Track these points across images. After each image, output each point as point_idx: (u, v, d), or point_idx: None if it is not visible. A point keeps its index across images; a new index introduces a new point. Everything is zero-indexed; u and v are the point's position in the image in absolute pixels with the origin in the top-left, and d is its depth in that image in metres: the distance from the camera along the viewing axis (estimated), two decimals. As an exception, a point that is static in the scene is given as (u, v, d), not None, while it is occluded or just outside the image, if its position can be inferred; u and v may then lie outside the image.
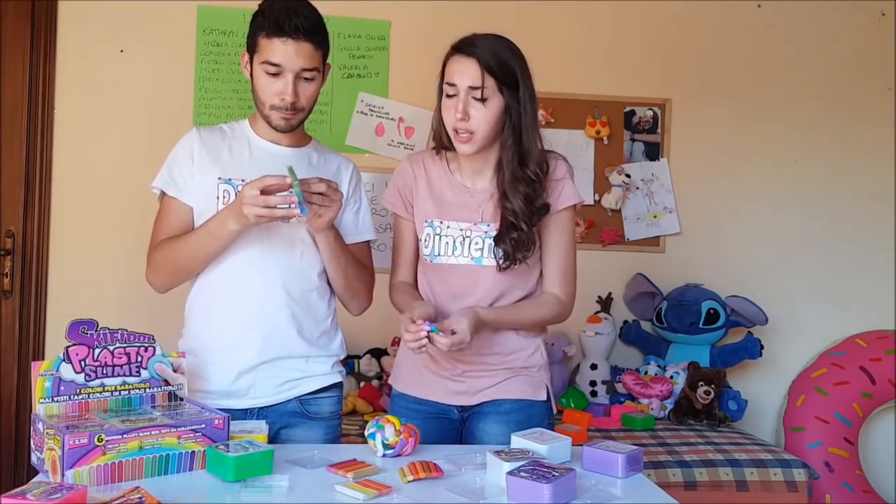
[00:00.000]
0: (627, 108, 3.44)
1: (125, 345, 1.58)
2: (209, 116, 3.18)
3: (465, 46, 1.76)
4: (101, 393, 1.55)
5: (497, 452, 1.55)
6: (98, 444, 1.39)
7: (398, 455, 1.62)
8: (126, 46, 3.17)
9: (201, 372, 1.77)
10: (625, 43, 3.43)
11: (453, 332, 1.68)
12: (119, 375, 1.57)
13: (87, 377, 1.54)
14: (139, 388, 1.60)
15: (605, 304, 3.41)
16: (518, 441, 1.64)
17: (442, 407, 1.88)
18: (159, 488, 1.38)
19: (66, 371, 1.52)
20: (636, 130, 3.45)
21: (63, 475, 1.36)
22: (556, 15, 3.38)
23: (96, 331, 1.55)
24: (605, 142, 3.41)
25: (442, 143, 1.85)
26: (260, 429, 1.64)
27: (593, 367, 3.30)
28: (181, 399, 1.65)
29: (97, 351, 1.55)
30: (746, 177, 3.49)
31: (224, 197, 1.79)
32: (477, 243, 1.82)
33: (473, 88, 1.73)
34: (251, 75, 1.81)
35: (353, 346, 3.16)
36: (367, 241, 1.98)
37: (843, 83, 3.52)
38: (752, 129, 3.49)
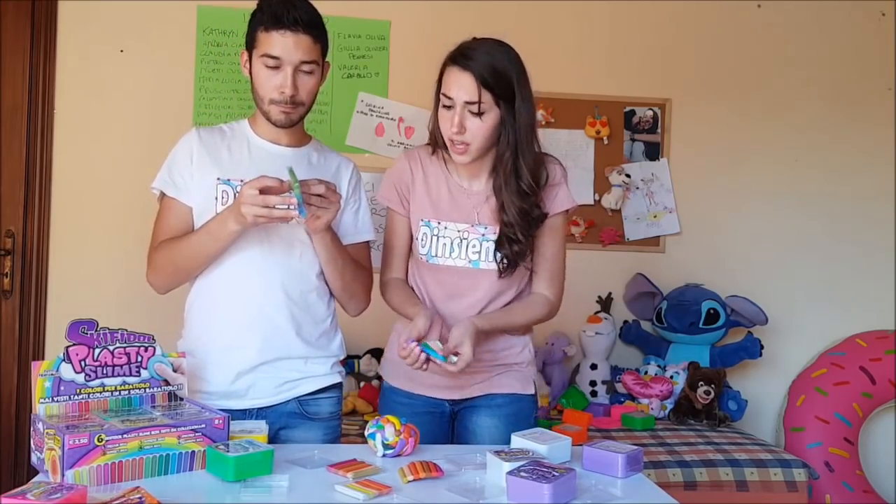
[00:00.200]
0: (627, 108, 3.44)
1: (125, 345, 1.58)
2: (209, 116, 3.18)
3: (461, 59, 1.74)
4: (101, 393, 1.55)
5: (497, 452, 1.55)
6: (98, 444, 1.39)
7: (398, 455, 1.62)
8: (126, 46, 3.17)
9: (201, 372, 1.77)
10: (625, 43, 3.43)
11: (457, 353, 1.70)
12: (119, 375, 1.57)
13: (87, 377, 1.54)
14: (139, 388, 1.60)
15: (605, 304, 3.41)
16: (518, 441, 1.64)
17: (433, 401, 1.91)
18: (159, 488, 1.38)
19: (66, 371, 1.52)
20: (636, 130, 3.45)
21: (63, 475, 1.36)
22: (556, 15, 3.38)
23: (96, 331, 1.55)
24: (605, 142, 3.41)
25: (438, 144, 1.86)
26: (260, 429, 1.64)
27: (593, 367, 3.31)
28: (181, 399, 1.65)
29: (97, 351, 1.55)
30: (746, 177, 3.49)
31: (223, 197, 1.79)
32: (474, 246, 1.84)
33: (470, 103, 1.73)
34: (250, 72, 1.81)
35: (352, 346, 3.16)
36: (367, 242, 1.98)
37: (843, 83, 3.52)
38: (752, 128, 3.49)
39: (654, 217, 3.45)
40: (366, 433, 1.66)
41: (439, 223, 1.87)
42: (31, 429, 1.49)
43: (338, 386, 1.92)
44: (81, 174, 3.12)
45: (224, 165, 1.82)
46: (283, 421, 1.83)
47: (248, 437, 1.58)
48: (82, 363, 1.53)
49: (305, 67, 1.76)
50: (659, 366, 3.31)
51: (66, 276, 3.14)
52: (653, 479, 1.73)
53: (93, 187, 3.14)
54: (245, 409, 1.80)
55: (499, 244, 1.82)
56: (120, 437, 1.41)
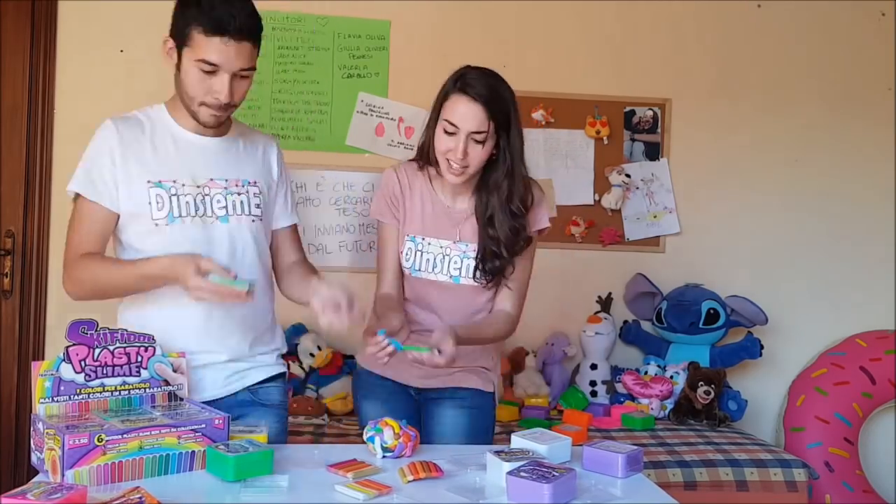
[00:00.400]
0: (627, 108, 3.44)
1: (125, 345, 1.58)
2: (209, 116, 3.17)
3: (470, 89, 1.81)
4: (101, 393, 1.55)
5: (497, 452, 1.55)
6: (98, 444, 1.39)
7: (398, 458, 1.62)
8: (126, 46, 3.17)
9: None
10: (625, 43, 3.43)
11: (440, 351, 1.75)
12: (119, 375, 1.57)
13: (87, 377, 1.54)
14: (139, 388, 1.60)
15: (605, 304, 3.41)
16: (518, 441, 1.64)
17: (400, 385, 2.03)
18: (159, 488, 1.39)
19: (66, 371, 1.52)
20: (636, 130, 3.45)
21: (63, 475, 1.36)
22: (557, 15, 3.38)
23: (96, 331, 1.55)
24: (605, 142, 3.41)
25: (427, 160, 1.93)
26: (260, 429, 1.64)
27: (593, 367, 3.30)
28: (181, 399, 1.64)
29: (97, 351, 1.55)
30: (746, 177, 3.49)
31: (157, 202, 1.71)
32: (455, 262, 1.95)
33: (476, 132, 1.81)
34: (178, 67, 1.71)
35: (353, 346, 3.17)
36: (295, 224, 1.98)
37: (843, 83, 3.51)
38: (752, 128, 3.49)
39: (654, 217, 3.45)
40: (364, 436, 1.66)
41: (423, 239, 1.96)
42: (31, 429, 1.49)
43: (283, 376, 1.92)
44: (81, 174, 3.12)
45: (151, 165, 1.72)
46: (236, 411, 1.77)
47: (248, 436, 1.58)
48: (82, 363, 1.53)
49: (243, 73, 1.69)
50: (659, 366, 3.31)
51: (66, 276, 3.13)
52: (653, 479, 1.73)
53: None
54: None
55: (483, 259, 1.91)
56: (120, 437, 1.41)
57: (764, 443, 3.00)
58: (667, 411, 3.19)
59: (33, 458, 1.49)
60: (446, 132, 1.84)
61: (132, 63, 3.16)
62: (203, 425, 1.51)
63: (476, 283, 1.94)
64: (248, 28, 1.66)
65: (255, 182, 1.85)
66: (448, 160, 1.85)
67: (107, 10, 3.15)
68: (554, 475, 1.39)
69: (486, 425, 2.04)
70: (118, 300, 1.82)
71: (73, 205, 1.80)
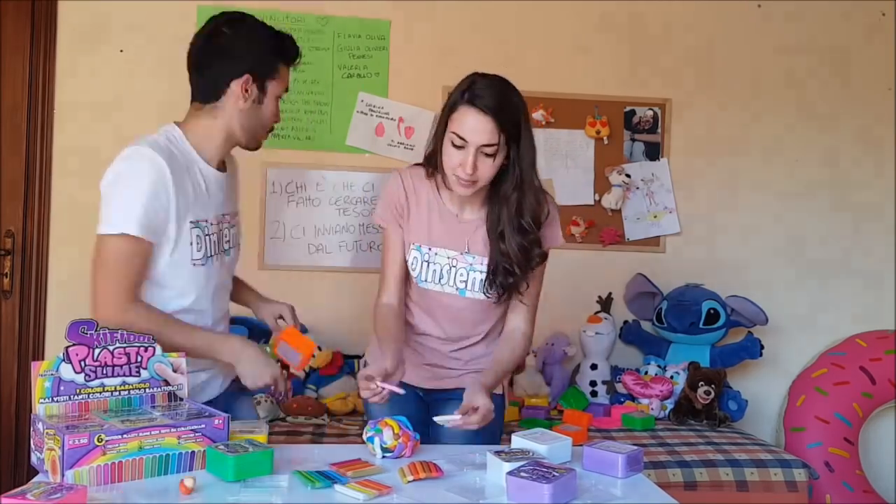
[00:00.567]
0: (627, 108, 3.44)
1: (125, 345, 1.58)
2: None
3: (479, 101, 1.73)
4: (100, 393, 1.55)
5: (497, 452, 1.55)
6: (98, 444, 1.39)
7: (397, 458, 1.62)
8: (126, 46, 3.17)
9: None
10: (625, 43, 3.43)
11: (475, 409, 1.72)
12: (119, 375, 1.57)
13: (86, 377, 1.53)
14: (139, 389, 1.60)
15: (605, 304, 3.41)
16: (518, 441, 1.64)
17: (408, 387, 1.96)
18: (159, 488, 1.39)
19: (66, 371, 1.51)
20: (636, 130, 3.45)
21: (63, 475, 1.36)
22: (556, 15, 3.37)
23: (96, 331, 1.55)
24: (605, 142, 3.41)
25: (436, 167, 1.87)
26: (260, 429, 1.64)
27: (593, 367, 3.30)
28: (181, 399, 1.64)
29: (97, 351, 1.55)
30: (746, 176, 3.49)
31: (197, 243, 1.74)
32: (462, 275, 1.89)
33: (486, 146, 1.74)
34: (260, 101, 1.79)
35: (353, 346, 3.17)
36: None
37: (843, 83, 3.51)
38: (751, 128, 3.49)
39: (654, 217, 3.45)
40: (364, 436, 1.66)
41: (430, 249, 1.91)
42: (31, 429, 1.49)
43: None
44: (81, 174, 3.12)
45: (192, 204, 1.73)
46: (230, 403, 1.88)
47: (249, 437, 1.58)
48: (82, 363, 1.53)
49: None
50: (659, 366, 3.31)
51: (66, 276, 3.14)
52: (653, 480, 1.73)
53: (93, 187, 3.12)
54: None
55: (494, 274, 1.86)
56: (120, 437, 1.41)
57: (764, 443, 3.00)
58: (667, 411, 3.19)
59: (33, 458, 1.49)
60: (454, 145, 1.76)
61: (132, 63, 3.17)
62: (203, 425, 1.51)
63: (483, 298, 1.89)
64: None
65: (237, 212, 1.96)
66: (458, 176, 1.78)
67: (107, 10, 3.15)
68: (554, 475, 1.39)
69: (494, 427, 1.97)
70: None
71: (105, 242, 1.67)
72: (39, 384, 1.49)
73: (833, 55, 3.51)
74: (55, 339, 3.07)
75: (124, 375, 1.58)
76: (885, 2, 3.53)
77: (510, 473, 1.42)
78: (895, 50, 3.52)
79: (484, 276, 1.88)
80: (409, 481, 1.48)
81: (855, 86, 3.52)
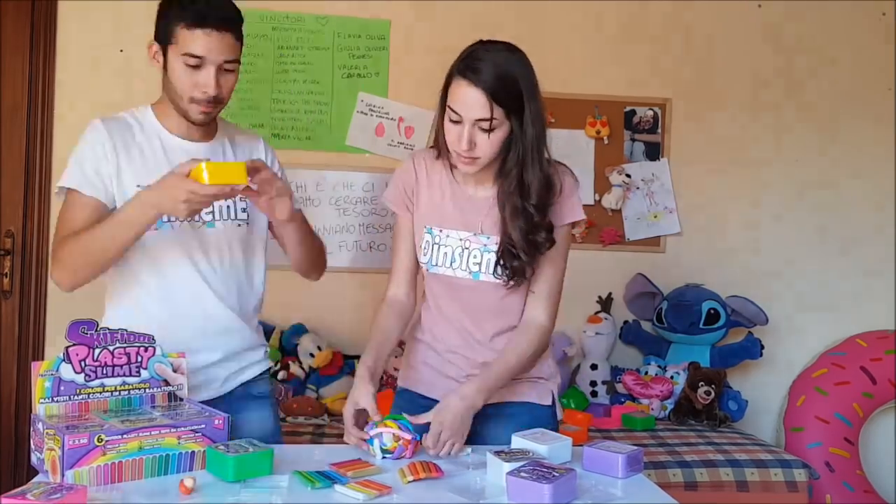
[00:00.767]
0: (627, 108, 3.44)
1: (125, 345, 1.58)
2: (209, 116, 3.17)
3: (470, 73, 1.61)
4: (100, 393, 1.55)
5: (497, 452, 1.55)
6: (98, 444, 1.38)
7: (398, 459, 1.62)
8: (126, 46, 3.17)
9: None
10: (625, 43, 3.43)
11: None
12: (119, 375, 1.57)
13: (86, 377, 1.53)
14: (139, 389, 1.60)
15: (605, 304, 3.41)
16: (518, 441, 1.64)
17: (431, 400, 1.82)
18: (159, 488, 1.39)
19: (66, 371, 1.51)
20: (636, 130, 3.45)
21: (63, 475, 1.36)
22: (556, 14, 3.38)
23: (96, 331, 1.55)
24: (606, 142, 3.41)
25: (442, 153, 1.78)
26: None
27: (593, 367, 3.30)
28: (181, 399, 1.64)
29: (97, 351, 1.54)
30: (746, 177, 3.49)
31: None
32: (475, 256, 1.76)
33: (480, 120, 1.62)
34: (164, 67, 1.76)
35: (353, 346, 3.17)
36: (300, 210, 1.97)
37: (843, 83, 3.51)
38: (751, 128, 3.49)
39: (654, 217, 3.45)
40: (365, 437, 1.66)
41: (441, 230, 1.79)
42: (31, 429, 1.49)
43: (268, 370, 1.97)
44: (81, 174, 3.12)
45: (140, 169, 1.73)
46: (234, 407, 1.79)
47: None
48: (82, 363, 1.53)
49: (228, 66, 1.72)
50: (659, 366, 3.31)
51: (66, 276, 3.13)
52: (653, 480, 1.73)
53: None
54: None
55: (502, 255, 1.72)
56: (120, 437, 1.41)
57: (764, 443, 3.00)
58: (667, 411, 3.19)
59: (33, 459, 1.48)
60: (451, 120, 1.65)
61: (132, 63, 3.16)
62: (203, 425, 1.51)
63: (496, 280, 1.73)
64: (228, 18, 1.71)
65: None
66: (459, 153, 1.67)
67: (107, 10, 3.15)
68: (554, 475, 1.39)
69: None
70: (108, 300, 1.83)
71: (63, 202, 1.76)
72: (39, 384, 1.49)
73: (833, 55, 3.51)
74: (55, 339, 3.08)
75: (124, 375, 1.58)
76: (885, 2, 3.53)
77: (510, 473, 1.42)
78: (895, 50, 3.53)
79: (498, 253, 1.74)
80: (409, 481, 1.48)
81: (855, 86, 3.52)
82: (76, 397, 1.52)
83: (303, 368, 3.13)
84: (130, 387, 1.59)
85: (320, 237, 2.01)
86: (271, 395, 1.96)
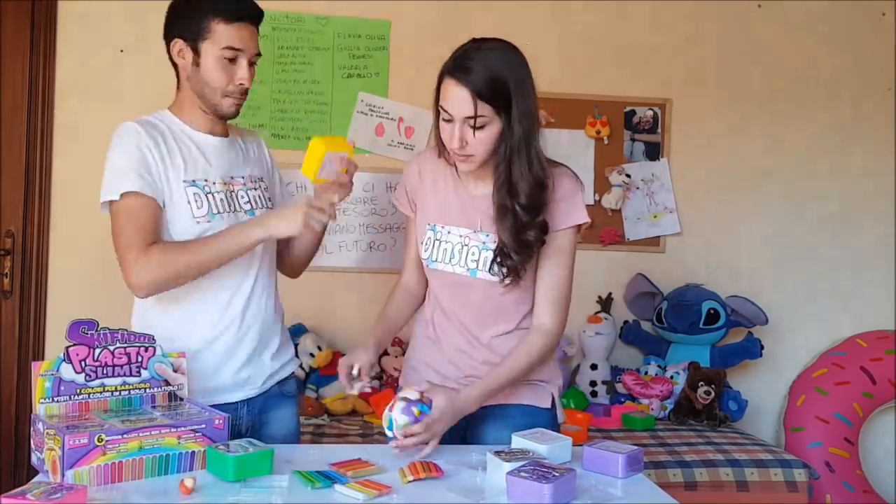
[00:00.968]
0: (627, 108, 3.44)
1: (125, 345, 1.58)
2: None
3: (458, 72, 1.63)
4: (101, 393, 1.55)
5: (497, 452, 1.55)
6: (98, 444, 1.39)
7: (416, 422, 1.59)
8: (126, 46, 3.17)
9: (200, 374, 1.76)
10: (625, 43, 3.43)
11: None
12: (119, 375, 1.57)
13: (87, 377, 1.53)
14: (139, 389, 1.60)
15: (605, 304, 3.41)
16: (518, 441, 1.64)
17: None
18: (159, 488, 1.39)
19: (67, 371, 1.51)
20: (636, 130, 3.45)
21: (63, 475, 1.36)
22: (556, 15, 3.38)
23: (97, 331, 1.55)
24: (605, 142, 3.41)
25: (442, 152, 1.79)
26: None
27: (593, 367, 3.30)
28: (181, 399, 1.64)
29: (97, 351, 1.55)
30: (746, 176, 3.49)
31: (196, 200, 1.74)
32: (473, 254, 1.76)
33: (468, 118, 1.63)
34: (195, 63, 1.76)
35: (353, 346, 3.16)
36: None
37: (843, 83, 3.52)
38: (751, 128, 3.49)
39: (654, 217, 3.45)
40: (384, 423, 1.64)
41: (443, 227, 1.79)
42: (31, 429, 1.49)
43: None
44: (81, 174, 3.11)
45: (181, 165, 1.76)
46: (268, 404, 1.88)
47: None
48: (82, 363, 1.53)
49: (253, 59, 1.79)
50: (659, 366, 3.31)
51: (66, 276, 3.14)
52: (653, 480, 1.73)
53: (93, 187, 3.10)
54: (236, 402, 1.81)
55: (498, 254, 1.72)
56: (120, 437, 1.41)
57: (764, 443, 3.00)
58: (667, 411, 3.19)
59: (33, 459, 1.49)
60: (444, 119, 1.67)
61: (132, 63, 3.17)
62: (203, 425, 1.51)
63: (493, 278, 1.73)
64: (259, 13, 1.79)
65: (262, 178, 1.93)
66: (451, 149, 1.68)
67: (107, 10, 3.15)
68: (554, 475, 1.39)
69: None
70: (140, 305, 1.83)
71: (118, 210, 1.71)
72: (40, 384, 1.49)
73: (833, 55, 3.51)
74: (55, 339, 3.08)
75: (125, 375, 1.58)
76: (885, 2, 3.53)
77: (510, 473, 1.42)
78: (895, 50, 3.53)
79: (494, 251, 1.74)
80: (408, 481, 1.48)
81: (855, 86, 3.52)
82: (76, 397, 1.52)
83: (303, 368, 3.13)
84: (131, 387, 1.59)
85: None
86: (296, 395, 1.99)
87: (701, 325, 3.26)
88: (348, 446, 1.71)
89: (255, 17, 1.77)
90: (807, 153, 3.51)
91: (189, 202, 1.74)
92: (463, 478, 1.53)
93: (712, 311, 3.26)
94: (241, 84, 1.76)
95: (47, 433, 1.42)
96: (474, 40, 1.70)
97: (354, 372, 1.75)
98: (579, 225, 1.78)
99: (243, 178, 1.86)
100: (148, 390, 1.61)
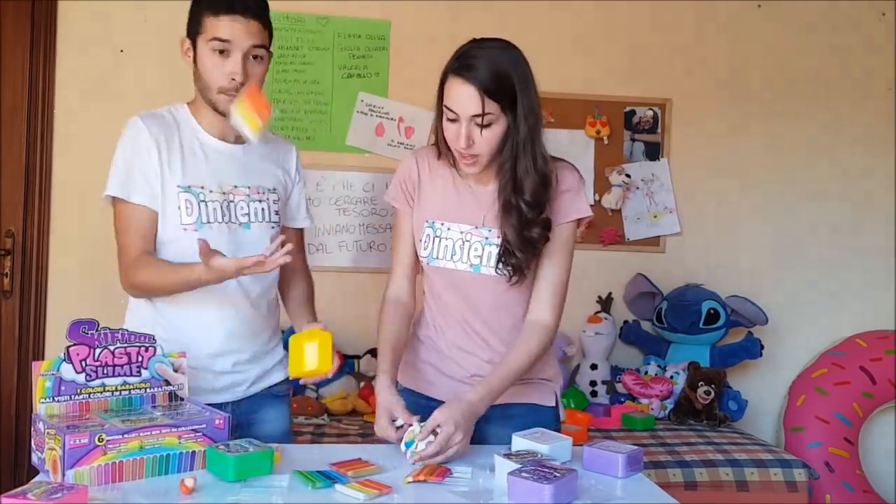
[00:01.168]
0: (627, 108, 3.44)
1: (126, 345, 1.58)
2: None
3: (463, 70, 1.62)
4: (101, 393, 1.55)
5: (507, 455, 1.54)
6: (98, 443, 1.38)
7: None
8: (126, 46, 3.17)
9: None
10: (625, 43, 3.43)
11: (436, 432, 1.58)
12: (120, 375, 1.57)
13: (87, 377, 1.53)
14: (140, 388, 1.60)
15: (605, 304, 3.41)
16: (518, 441, 1.64)
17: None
18: (160, 488, 1.39)
19: (67, 371, 1.51)
20: (636, 130, 3.45)
21: (64, 475, 1.36)
22: (556, 15, 3.38)
23: (97, 331, 1.55)
24: (605, 142, 3.41)
25: (443, 152, 1.77)
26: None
27: (593, 367, 3.30)
28: (182, 399, 1.64)
29: (98, 351, 1.54)
30: (746, 176, 3.49)
31: (187, 207, 1.73)
32: (476, 249, 1.75)
33: (476, 116, 1.62)
34: (194, 60, 1.75)
35: (353, 346, 3.17)
36: (302, 230, 2.01)
37: (843, 83, 3.52)
38: (751, 128, 3.49)
39: (654, 217, 3.45)
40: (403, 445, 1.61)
41: (443, 224, 1.77)
42: (32, 429, 1.49)
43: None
44: (81, 174, 3.12)
45: (180, 169, 1.74)
46: (256, 405, 1.87)
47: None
48: (83, 363, 1.53)
49: (256, 52, 1.73)
50: (659, 366, 3.31)
51: (66, 276, 3.14)
52: (653, 480, 1.73)
53: (93, 187, 3.09)
54: (222, 403, 1.79)
55: (503, 253, 1.71)
56: (120, 437, 1.41)
57: (764, 443, 3.00)
58: (667, 411, 3.19)
59: (34, 458, 1.49)
60: (448, 119, 1.65)
61: (132, 63, 3.17)
62: (203, 425, 1.51)
63: (497, 275, 1.72)
64: (253, 6, 1.73)
65: (275, 189, 1.88)
66: (460, 152, 1.67)
67: (107, 10, 3.15)
68: (555, 475, 1.39)
69: None
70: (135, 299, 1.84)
71: (116, 210, 1.78)
72: (40, 384, 1.49)
73: (833, 55, 3.51)
74: (55, 339, 3.08)
75: (125, 375, 1.58)
76: (885, 2, 3.53)
77: (511, 473, 1.42)
78: (895, 50, 3.53)
79: (499, 249, 1.73)
80: (409, 481, 1.48)
81: (855, 86, 3.52)
82: (77, 397, 1.52)
83: (303, 368, 3.13)
84: (131, 386, 1.59)
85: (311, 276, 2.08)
86: (288, 394, 1.98)
87: (701, 325, 3.26)
88: (348, 446, 1.70)
89: (249, 9, 1.72)
90: (807, 153, 3.51)
91: (179, 208, 1.73)
92: (464, 478, 1.53)
93: (712, 311, 3.26)
94: (232, 79, 1.71)
95: (48, 433, 1.42)
96: (475, 40, 1.70)
97: (399, 423, 1.65)
98: (580, 220, 1.79)
99: (248, 188, 1.82)
100: (148, 390, 1.61)
